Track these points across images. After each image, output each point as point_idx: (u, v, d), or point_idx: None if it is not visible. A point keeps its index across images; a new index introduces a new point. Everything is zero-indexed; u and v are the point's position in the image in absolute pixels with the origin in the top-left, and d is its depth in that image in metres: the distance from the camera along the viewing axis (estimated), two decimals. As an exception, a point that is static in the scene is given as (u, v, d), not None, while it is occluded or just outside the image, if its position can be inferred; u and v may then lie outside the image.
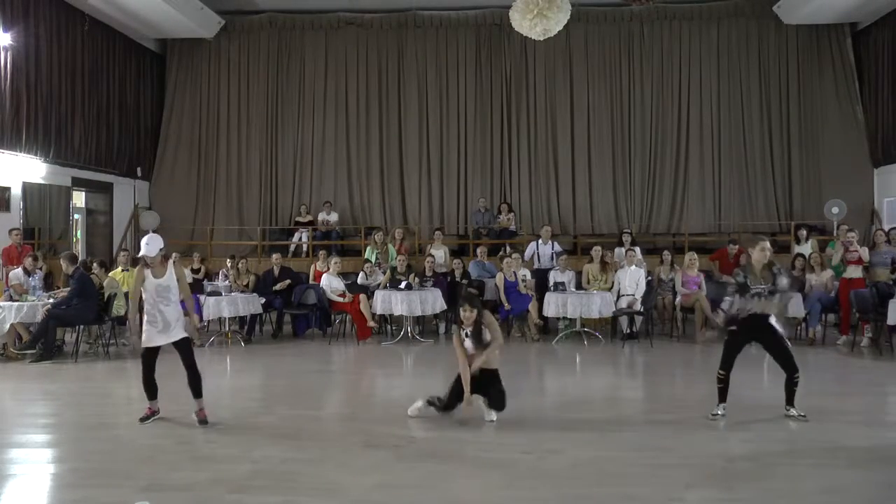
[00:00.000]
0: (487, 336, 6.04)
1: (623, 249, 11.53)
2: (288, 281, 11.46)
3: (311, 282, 11.72)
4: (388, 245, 12.44)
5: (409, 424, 5.99)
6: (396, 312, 10.57)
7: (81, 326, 9.81)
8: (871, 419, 6.32)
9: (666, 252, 11.43)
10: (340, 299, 10.96)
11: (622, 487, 4.52)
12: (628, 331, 10.48)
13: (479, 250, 12.25)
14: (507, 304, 10.75)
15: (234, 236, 16.14)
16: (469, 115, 16.18)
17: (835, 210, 13.86)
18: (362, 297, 10.84)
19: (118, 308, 9.78)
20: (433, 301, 10.72)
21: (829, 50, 15.48)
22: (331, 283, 11.07)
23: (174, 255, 10.69)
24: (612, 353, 9.78)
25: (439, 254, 12.44)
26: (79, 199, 14.71)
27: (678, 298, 10.67)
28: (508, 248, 12.50)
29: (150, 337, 5.97)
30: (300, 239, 15.05)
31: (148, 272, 5.98)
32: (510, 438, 5.59)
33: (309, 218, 15.27)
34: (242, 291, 10.91)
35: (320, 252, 12.46)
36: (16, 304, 9.35)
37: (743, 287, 5.95)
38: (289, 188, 16.44)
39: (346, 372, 9.14)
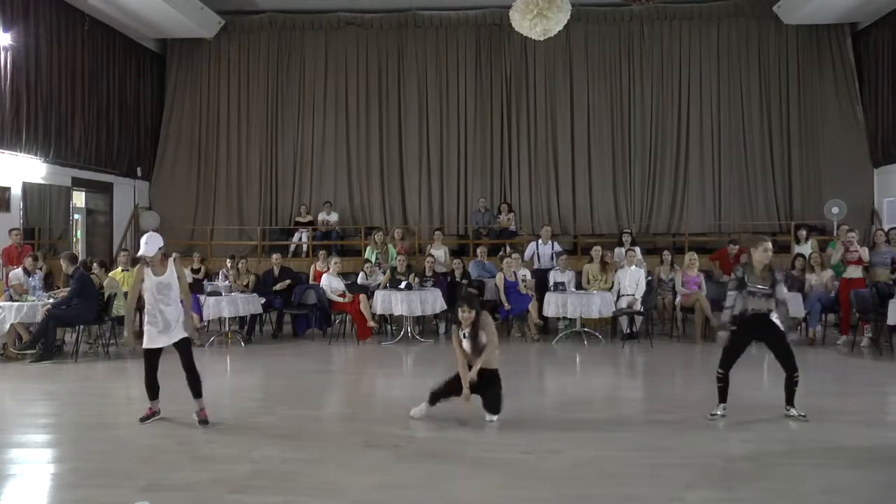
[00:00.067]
0: (483, 339, 6.03)
1: (623, 249, 11.53)
2: (288, 281, 11.46)
3: (311, 282, 11.72)
4: (388, 245, 12.45)
5: (409, 424, 5.98)
6: (396, 312, 10.57)
7: (81, 326, 9.82)
8: (871, 419, 6.32)
9: (666, 252, 11.42)
10: (340, 299, 10.96)
11: (622, 487, 4.52)
12: (628, 331, 10.48)
13: (479, 250, 12.25)
14: (507, 304, 10.75)
15: (234, 236, 16.14)
16: (469, 115, 16.18)
17: (835, 210, 13.87)
18: (362, 297, 10.84)
19: (118, 308, 9.77)
20: (433, 301, 10.73)
21: (829, 50, 15.49)
22: (331, 283, 11.07)
23: (174, 254, 10.67)
24: (612, 353, 9.78)
25: (439, 254, 12.43)
26: (79, 199, 14.71)
27: (678, 298, 10.67)
28: (508, 248, 12.51)
29: (151, 338, 5.97)
30: (300, 239, 15.05)
31: (148, 270, 5.97)
32: (510, 438, 5.59)
33: (309, 218, 15.27)
34: (242, 291, 10.91)
35: (320, 252, 12.45)
36: (16, 304, 9.35)
37: (741, 282, 5.96)
38: (289, 188, 16.45)
39: (346, 372, 9.14)
